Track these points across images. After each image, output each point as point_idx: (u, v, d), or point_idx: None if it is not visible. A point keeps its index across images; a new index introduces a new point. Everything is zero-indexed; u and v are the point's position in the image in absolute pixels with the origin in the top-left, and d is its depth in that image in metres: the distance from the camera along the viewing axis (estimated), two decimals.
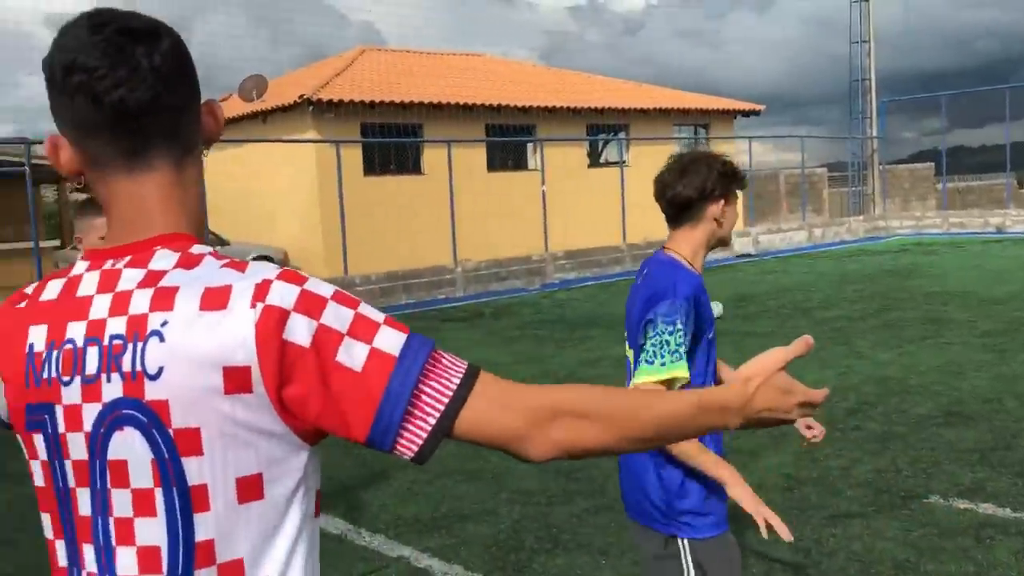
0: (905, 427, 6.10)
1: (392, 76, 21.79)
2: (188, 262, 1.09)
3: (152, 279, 1.08)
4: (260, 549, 1.07)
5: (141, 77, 1.07)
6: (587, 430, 1.08)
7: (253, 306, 1.02)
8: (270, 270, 1.06)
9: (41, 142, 19.96)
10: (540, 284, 17.79)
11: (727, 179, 2.49)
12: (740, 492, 2.36)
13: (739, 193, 2.58)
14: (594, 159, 24.74)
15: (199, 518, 1.05)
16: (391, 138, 19.26)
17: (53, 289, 1.14)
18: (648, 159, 23.83)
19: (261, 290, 1.03)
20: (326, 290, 1.06)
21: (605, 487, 5.22)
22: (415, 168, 20.03)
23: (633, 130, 24.26)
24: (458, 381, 1.05)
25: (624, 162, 22.58)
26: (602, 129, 24.37)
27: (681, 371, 2.28)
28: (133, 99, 1.07)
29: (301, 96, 18.13)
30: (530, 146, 22.15)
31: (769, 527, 2.35)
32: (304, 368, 1.01)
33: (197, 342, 1.02)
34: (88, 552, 1.11)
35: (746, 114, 27.40)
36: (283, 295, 1.03)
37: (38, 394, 1.11)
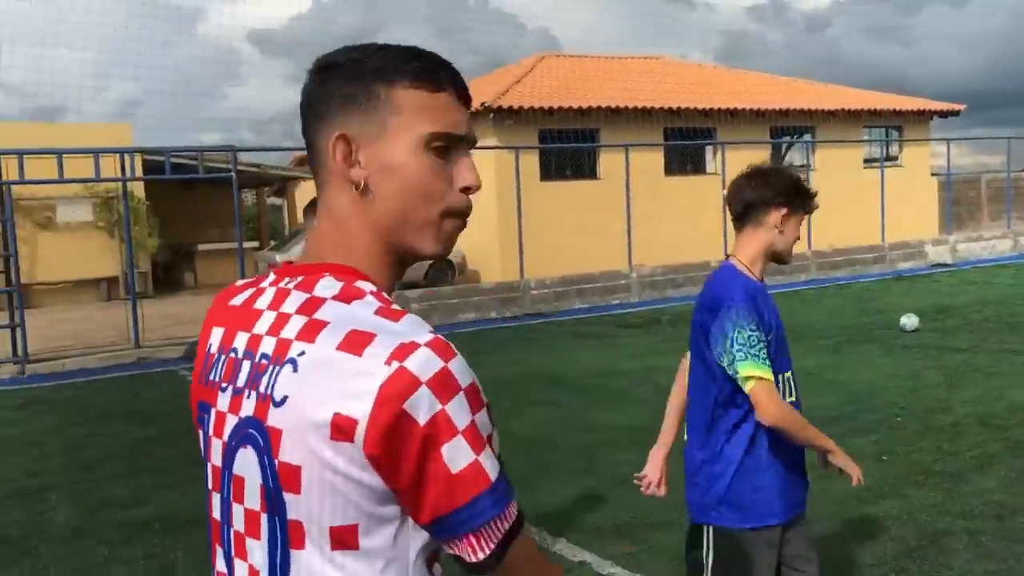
0: None
1: (570, 82, 21.90)
2: (347, 295, 1.08)
3: (310, 306, 1.08)
4: None
5: None
6: None
7: (388, 363, 0.99)
8: (422, 332, 1.02)
9: (247, 149, 21.45)
10: None
11: (794, 193, 2.60)
12: (842, 458, 2.57)
13: (805, 213, 2.65)
14: (777, 163, 23.89)
15: (295, 554, 1.06)
16: (568, 143, 19.35)
17: (242, 296, 1.19)
18: (835, 162, 22.81)
19: (404, 350, 1.00)
20: (464, 378, 1.02)
21: None
22: (591, 173, 20.03)
23: (819, 132, 23.28)
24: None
25: (809, 166, 21.70)
26: (786, 131, 23.53)
27: (767, 373, 2.42)
28: None
29: (482, 104, 18.53)
30: (709, 149, 21.68)
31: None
32: (410, 442, 0.99)
33: (321, 381, 1.01)
34: (219, 554, 1.17)
35: (943, 115, 25.71)
36: (423, 364, 0.99)
37: (205, 393, 1.17)
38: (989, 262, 21.13)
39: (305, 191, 28.30)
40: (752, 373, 2.40)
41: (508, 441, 6.28)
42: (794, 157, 24.55)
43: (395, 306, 1.08)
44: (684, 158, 21.87)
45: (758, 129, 22.22)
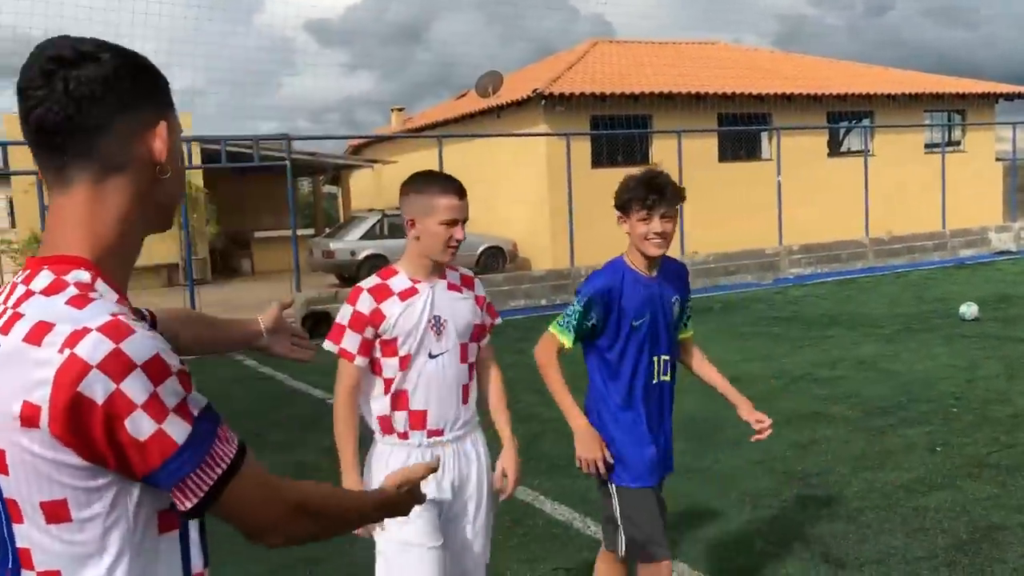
0: None
1: (622, 68, 21.74)
2: (52, 288, 1.15)
3: (21, 300, 1.16)
4: (77, 564, 1.14)
5: (55, 99, 1.15)
6: (313, 527, 1.28)
7: (62, 351, 1.08)
8: (100, 317, 1.10)
9: (301, 138, 21.69)
10: (773, 279, 17.12)
11: (620, 196, 3.00)
12: (579, 443, 2.97)
13: (643, 209, 2.91)
14: (834, 148, 23.46)
15: (16, 528, 1.15)
16: (620, 130, 19.23)
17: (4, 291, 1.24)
18: (895, 147, 22.32)
19: (76, 337, 1.08)
20: (141, 354, 1.10)
21: (843, 494, 4.94)
22: (643, 160, 19.85)
23: (878, 117, 22.79)
24: (220, 473, 1.15)
25: (868, 151, 21.25)
26: (844, 116, 23.08)
27: (563, 336, 2.97)
28: (48, 118, 1.15)
29: (534, 91, 18.49)
30: (764, 135, 21.37)
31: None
32: (93, 422, 1.07)
33: (11, 372, 1.10)
34: None
35: (1009, 97, 24.96)
36: (93, 348, 1.07)
37: None
38: None
39: (359, 179, 28.59)
40: (554, 331, 2.98)
41: (540, 425, 6.23)
42: (852, 142, 24.07)
43: (95, 294, 1.15)
44: (738, 144, 21.59)
45: (814, 114, 21.84)
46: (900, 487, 5.02)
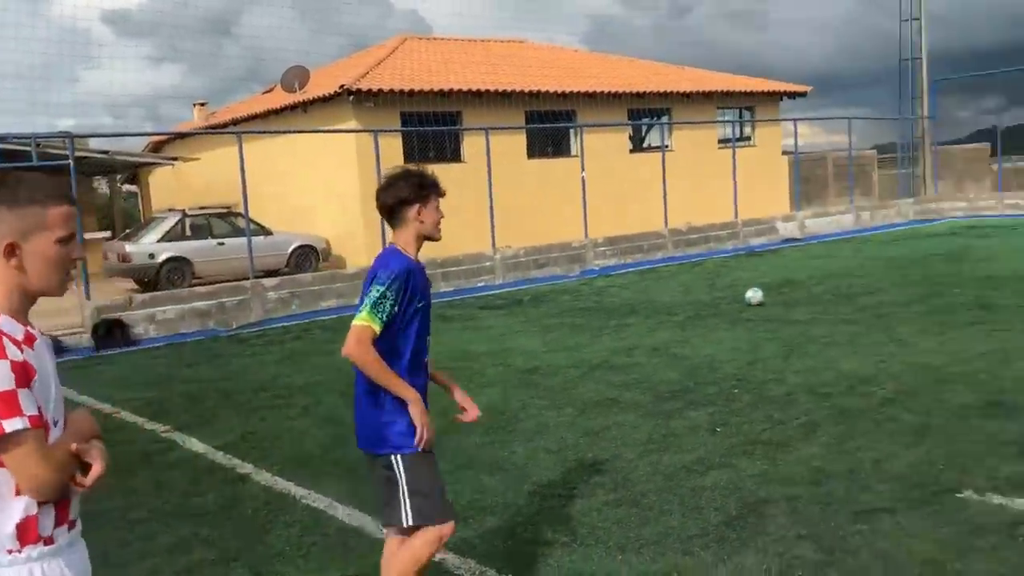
0: (943, 418, 5.90)
1: (432, 64, 21.75)
2: None
3: None
4: None
5: None
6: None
7: None
8: None
9: (84, 135, 20.32)
10: (580, 271, 17.66)
11: (419, 188, 3.28)
12: (415, 410, 3.15)
13: (437, 198, 3.33)
14: (636, 144, 24.47)
15: None
16: (431, 126, 19.24)
17: None
18: (691, 143, 23.52)
19: None
20: None
21: (629, 479, 5.13)
22: (455, 156, 19.99)
23: (676, 114, 23.95)
24: None
25: (667, 146, 22.29)
26: (644, 113, 24.08)
27: (375, 324, 3.11)
28: None
29: (341, 86, 18.18)
30: (572, 132, 21.99)
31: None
32: None
33: None
34: None
35: (792, 96, 26.87)
36: None
37: None
38: (834, 236, 22.28)
39: (159, 177, 27.18)
40: (363, 319, 3.10)
41: (344, 428, 6.13)
42: (653, 138, 25.19)
43: None
44: (546, 141, 22.09)
45: (617, 111, 22.68)
46: (682, 468, 5.27)
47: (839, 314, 10.31)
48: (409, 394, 3.15)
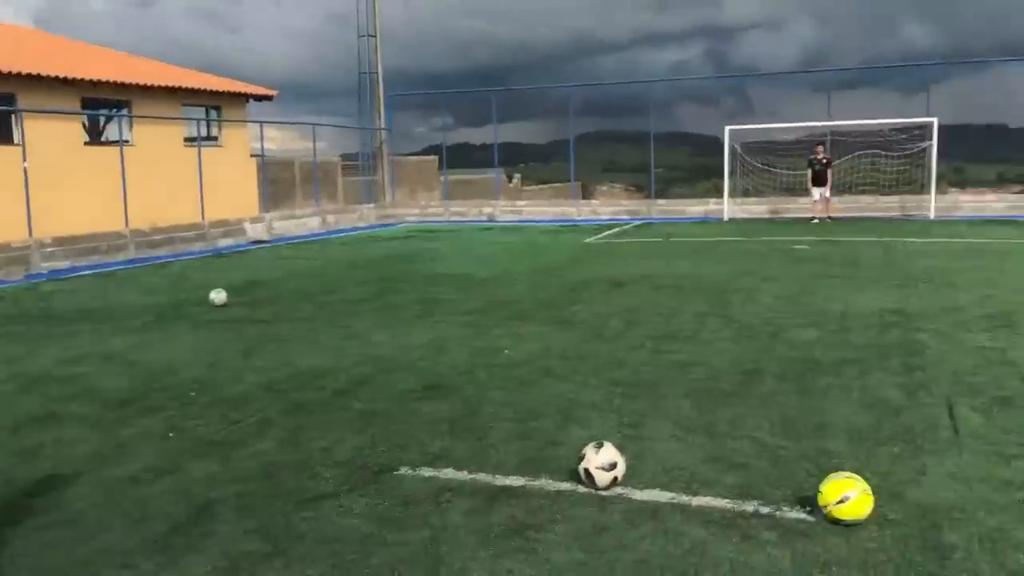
0: (388, 403, 6.37)
1: None
2: None
3: None
4: None
5: None
6: None
7: None
8: None
9: None
10: (24, 275, 15.74)
11: None
12: None
13: None
14: (93, 136, 22.57)
15: None
16: None
17: None
18: (156, 140, 22.36)
19: None
20: None
21: (65, 498, 4.66)
22: None
23: (137, 107, 22.57)
24: None
25: (126, 141, 20.91)
26: (101, 104, 22.30)
27: None
28: None
29: None
30: (12, 117, 19.48)
31: None
32: None
33: None
34: None
35: (259, 98, 27.03)
36: None
37: None
38: (301, 238, 22.95)
39: None
40: None
41: None
42: (114, 131, 23.45)
43: None
44: None
45: (67, 98, 20.65)
46: (128, 479, 4.94)
47: (301, 312, 10.62)
48: None
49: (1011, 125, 32.22)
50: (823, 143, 25.05)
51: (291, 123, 30.30)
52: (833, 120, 26.47)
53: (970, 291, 10.83)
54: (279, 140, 24.02)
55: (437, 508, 4.40)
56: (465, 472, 4.90)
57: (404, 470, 4.98)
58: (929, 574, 3.59)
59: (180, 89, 23.53)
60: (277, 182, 27.71)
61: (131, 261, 17.83)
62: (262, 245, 21.15)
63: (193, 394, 6.81)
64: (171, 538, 4.15)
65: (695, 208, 27.94)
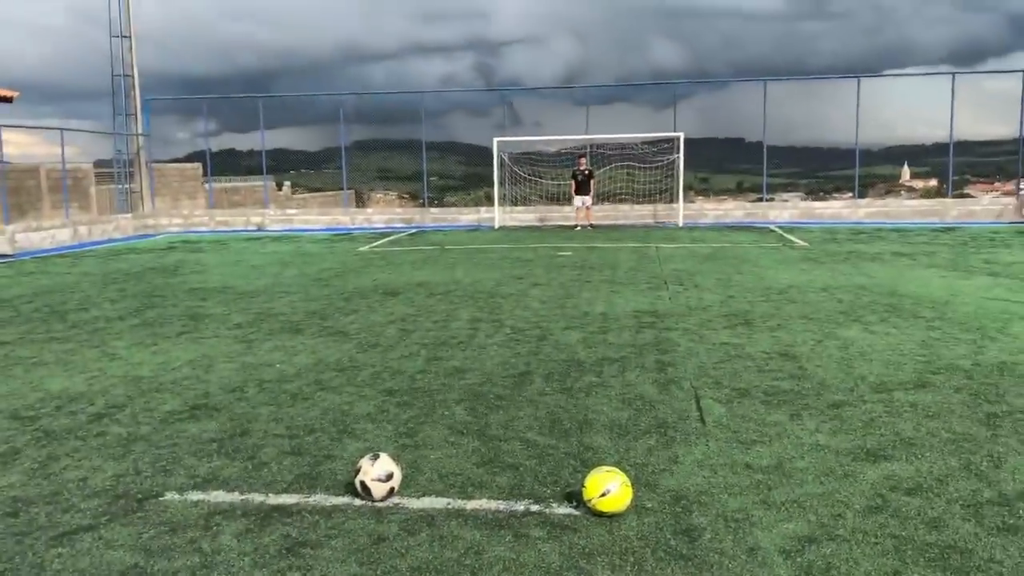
0: (151, 426, 6.05)
1: None
2: None
3: None
4: None
5: None
6: None
7: None
8: None
9: None
10: None
11: None
12: None
13: None
14: None
15: None
16: None
17: None
18: None
19: None
20: None
21: None
22: None
23: None
24: None
25: None
26: None
27: None
28: None
29: None
30: None
31: None
32: None
33: None
34: None
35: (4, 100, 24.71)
36: None
37: None
38: (50, 252, 21.20)
39: None
40: None
41: None
42: None
43: None
44: None
45: None
46: None
47: (51, 332, 9.83)
48: None
49: (747, 139, 35.41)
50: (584, 155, 26.40)
51: (35, 127, 27.91)
52: (592, 134, 27.94)
53: (713, 292, 11.82)
54: (22, 145, 22.09)
55: (207, 532, 4.26)
56: (236, 493, 4.76)
57: (170, 495, 4.76)
58: (681, 556, 3.92)
59: None
60: (20, 191, 25.42)
61: None
62: (4, 259, 19.31)
63: None
64: None
65: (468, 216, 28.50)
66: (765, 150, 27.58)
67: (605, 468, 4.52)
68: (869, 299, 11.00)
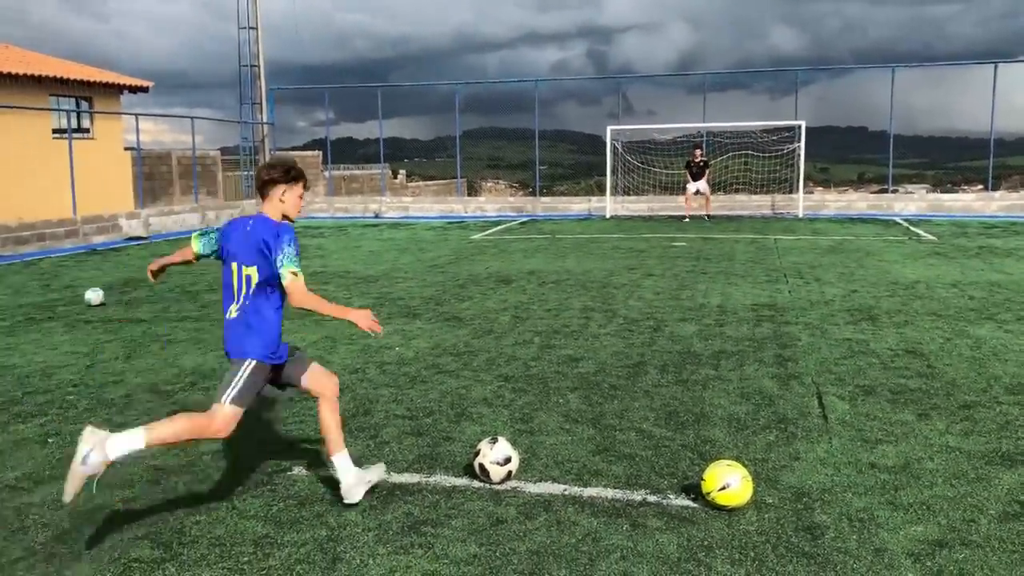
0: (279, 403, 6.30)
1: None
2: None
3: None
4: None
5: None
6: None
7: None
8: None
9: None
10: None
11: (287, 174, 4.33)
12: (357, 315, 4.33)
13: (300, 185, 4.39)
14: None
15: None
16: None
17: None
18: (21, 131, 21.28)
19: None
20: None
21: None
22: None
23: (1, 97, 21.42)
24: None
25: None
26: None
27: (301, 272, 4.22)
28: None
29: None
30: None
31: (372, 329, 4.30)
32: None
33: None
34: None
35: (134, 90, 26.05)
36: None
37: None
38: (181, 234, 22.23)
39: None
40: (299, 272, 4.21)
41: None
42: None
43: None
44: None
45: None
46: (5, 487, 4.76)
47: (183, 312, 10.33)
48: (347, 313, 4.32)
49: (870, 128, 34.12)
50: (700, 146, 25.85)
51: (170, 116, 29.32)
52: (707, 122, 27.44)
53: (836, 286, 11.47)
54: (152, 133, 23.32)
55: (333, 507, 4.42)
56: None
57: (298, 470, 4.96)
58: (803, 553, 3.85)
59: (48, 79, 22.46)
60: (153, 176, 26.75)
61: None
62: (139, 242, 20.39)
63: (72, 397, 6.57)
64: (54, 546, 4.03)
65: (578, 205, 28.46)
66: (892, 140, 26.53)
67: (725, 462, 4.46)
68: (1003, 296, 10.48)
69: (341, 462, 4.44)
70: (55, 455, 5.28)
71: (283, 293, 4.26)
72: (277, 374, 4.36)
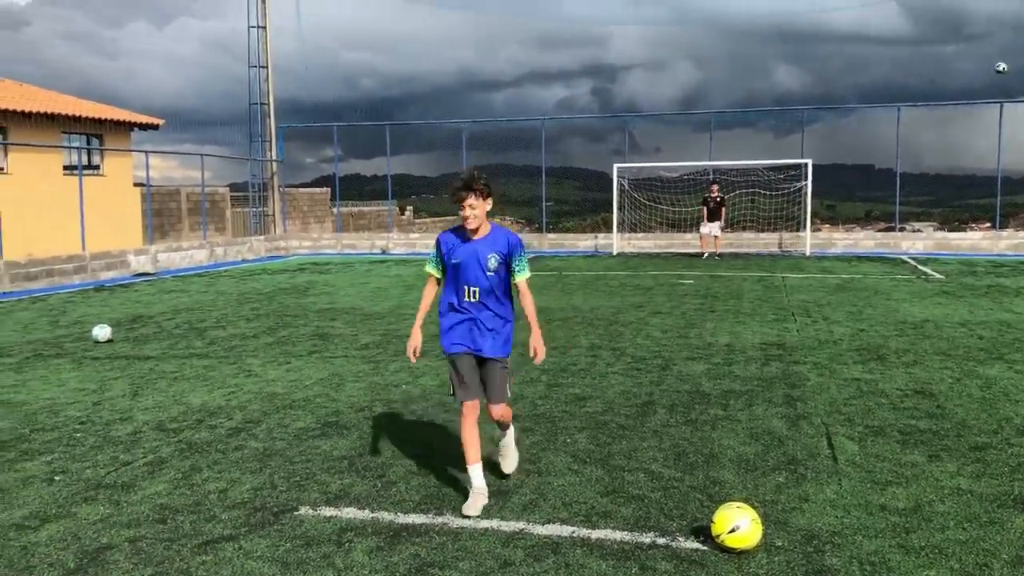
0: (285, 442, 6.30)
1: None
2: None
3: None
4: None
5: None
6: None
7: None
8: None
9: None
10: None
11: (455, 190, 4.93)
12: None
13: (458, 200, 4.88)
14: None
15: None
16: None
17: None
18: (32, 168, 21.51)
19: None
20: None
21: None
22: None
23: (13, 134, 21.66)
24: None
25: (1, 169, 20.01)
26: None
27: (432, 271, 5.20)
28: None
29: None
30: None
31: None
32: None
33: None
34: None
35: (144, 127, 26.33)
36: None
37: None
38: (188, 271, 22.32)
39: None
40: (427, 267, 5.20)
41: None
42: None
43: None
44: None
45: None
46: (11, 526, 4.74)
47: (191, 349, 10.35)
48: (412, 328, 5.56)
49: (877, 166, 34.23)
50: (718, 182, 25.83)
51: (179, 153, 29.56)
52: (714, 159, 27.56)
53: (844, 325, 11.44)
54: (162, 169, 23.50)
55: (340, 548, 4.39)
56: (367, 511, 4.90)
57: (304, 510, 4.94)
58: None
59: (61, 116, 22.73)
60: (162, 213, 26.93)
61: (5, 294, 16.98)
62: (147, 278, 20.47)
63: (79, 435, 6.57)
64: None
65: (585, 242, 28.53)
66: (899, 178, 26.61)
67: (735, 504, 4.43)
68: (1013, 336, 10.44)
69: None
70: (61, 493, 5.27)
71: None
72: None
